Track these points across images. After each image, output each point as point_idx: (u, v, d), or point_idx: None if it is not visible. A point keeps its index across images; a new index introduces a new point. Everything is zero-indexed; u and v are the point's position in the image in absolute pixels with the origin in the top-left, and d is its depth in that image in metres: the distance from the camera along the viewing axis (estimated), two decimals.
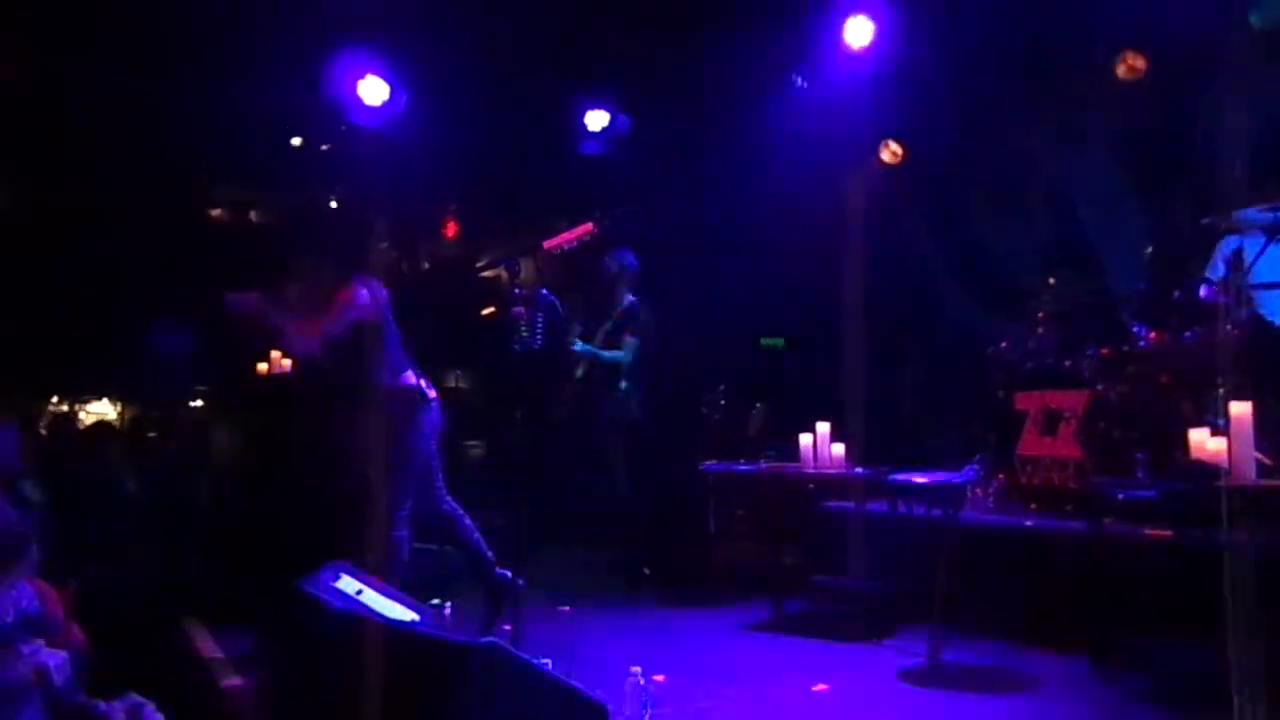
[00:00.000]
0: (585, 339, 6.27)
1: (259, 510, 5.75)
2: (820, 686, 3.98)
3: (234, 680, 3.95)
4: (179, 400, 8.43)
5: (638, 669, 3.31)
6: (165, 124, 7.37)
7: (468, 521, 4.82)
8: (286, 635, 3.87)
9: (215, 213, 9.40)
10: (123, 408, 8.97)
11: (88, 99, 6.99)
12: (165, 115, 7.25)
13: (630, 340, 6.18)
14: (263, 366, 6.46)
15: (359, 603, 3.86)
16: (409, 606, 4.13)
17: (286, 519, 5.54)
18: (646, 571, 6.06)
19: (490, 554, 4.78)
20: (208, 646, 4.45)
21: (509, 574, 4.67)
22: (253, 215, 9.46)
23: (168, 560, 6.20)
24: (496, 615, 4.77)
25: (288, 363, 6.45)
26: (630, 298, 6.32)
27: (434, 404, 4.65)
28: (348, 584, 3.92)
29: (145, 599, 5.15)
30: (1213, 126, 5.73)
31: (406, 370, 4.59)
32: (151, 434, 8.33)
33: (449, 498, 4.86)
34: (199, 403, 7.50)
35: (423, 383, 4.63)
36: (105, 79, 6.87)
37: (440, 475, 4.78)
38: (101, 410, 9.04)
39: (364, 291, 4.53)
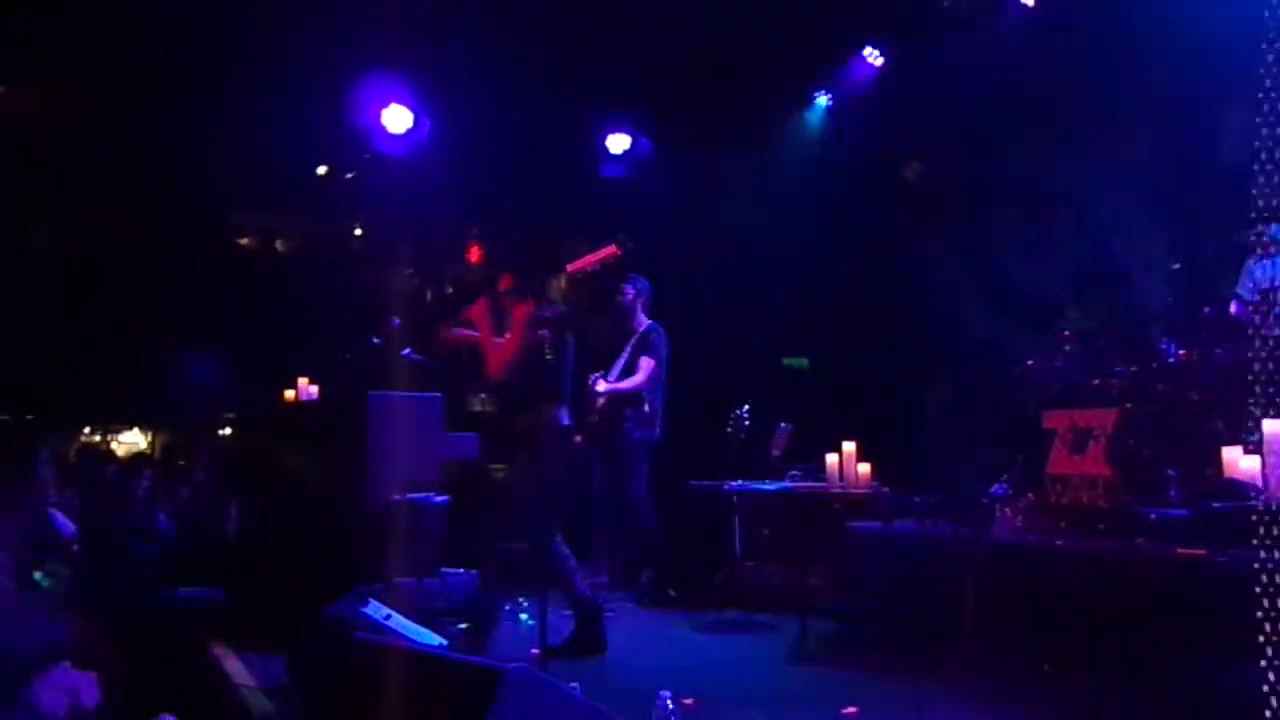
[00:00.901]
0: (603, 364, 6.30)
1: (287, 535, 5.78)
2: (849, 710, 3.95)
3: (265, 706, 3.96)
4: (208, 427, 8.51)
5: (667, 692, 3.29)
6: (192, 153, 7.49)
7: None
8: (316, 661, 3.89)
9: (242, 241, 9.51)
10: (153, 436, 9.07)
11: (116, 131, 7.11)
12: (192, 145, 7.37)
13: (646, 362, 6.18)
14: (290, 393, 6.51)
15: (388, 628, 3.88)
16: (435, 632, 4.15)
17: (313, 544, 5.57)
18: (672, 593, 6.04)
19: (578, 576, 4.91)
20: (238, 671, 4.47)
21: (592, 595, 4.86)
22: (279, 244, 9.57)
23: (199, 586, 6.24)
24: (587, 635, 4.82)
25: (314, 389, 6.51)
26: (647, 321, 6.33)
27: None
28: (376, 609, 3.94)
29: (176, 624, 5.18)
30: (1240, 142, 5.69)
31: (564, 405, 4.88)
32: (181, 461, 8.41)
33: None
34: (228, 430, 7.57)
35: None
36: (134, 111, 6.99)
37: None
38: (133, 440, 9.14)
39: (542, 313, 4.86)
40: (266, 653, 4.68)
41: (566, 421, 4.90)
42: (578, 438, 5.73)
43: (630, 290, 6.35)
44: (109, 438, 9.20)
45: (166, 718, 2.91)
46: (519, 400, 4.99)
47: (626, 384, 6.16)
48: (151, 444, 9.10)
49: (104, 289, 8.04)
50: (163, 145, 7.35)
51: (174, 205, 8.25)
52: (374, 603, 4.03)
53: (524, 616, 5.82)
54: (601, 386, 6.13)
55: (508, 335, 4.94)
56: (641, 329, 6.30)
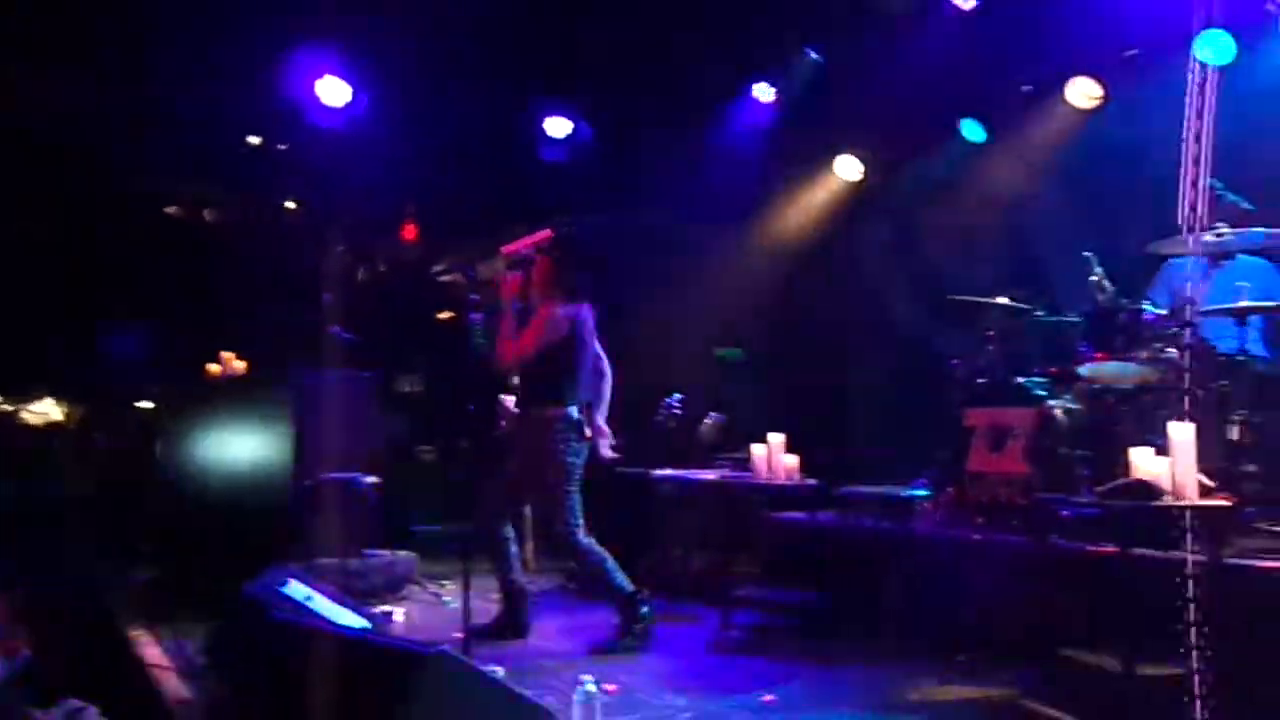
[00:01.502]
0: None
1: (209, 512, 5.67)
2: (769, 697, 4.01)
3: (179, 687, 3.89)
4: (128, 399, 8.28)
5: (589, 678, 3.31)
6: (119, 119, 7.26)
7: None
8: (232, 641, 3.82)
9: (169, 210, 9.26)
10: (69, 408, 8.79)
11: (37, 93, 6.86)
12: (119, 110, 7.14)
13: None
14: (214, 368, 6.38)
15: (308, 609, 3.83)
16: (358, 613, 4.11)
17: (235, 521, 5.48)
18: (589, 581, 6.05)
19: (516, 561, 4.93)
20: (153, 653, 4.38)
21: (631, 585, 4.84)
22: (207, 214, 9.34)
23: (113, 564, 6.09)
24: (512, 619, 4.82)
25: (240, 364, 6.38)
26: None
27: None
28: (296, 589, 3.89)
29: (89, 603, 5.06)
30: (1161, 154, 5.87)
31: (572, 402, 4.88)
32: (97, 434, 8.18)
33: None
34: (149, 404, 7.38)
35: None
36: (56, 72, 6.75)
37: None
38: (45, 410, 8.85)
39: (562, 313, 4.87)
40: (184, 632, 4.60)
41: (576, 416, 4.90)
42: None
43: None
44: (20, 408, 8.89)
45: (72, 702, 2.84)
46: (531, 392, 4.99)
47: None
48: (67, 416, 8.83)
49: (20, 255, 7.77)
50: (88, 110, 7.11)
51: (98, 171, 7.99)
52: (295, 582, 3.98)
53: (447, 599, 5.80)
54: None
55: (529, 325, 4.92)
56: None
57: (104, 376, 8.35)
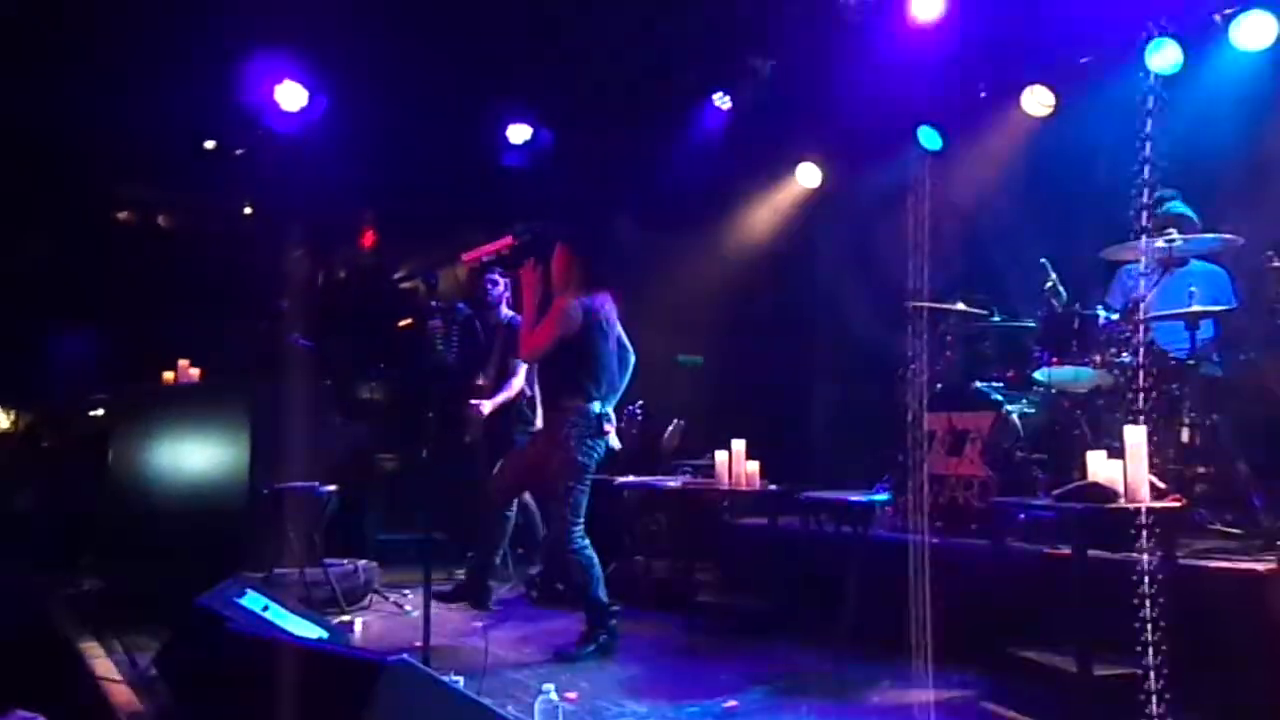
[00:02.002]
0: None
1: (162, 522, 5.58)
2: (731, 703, 4.01)
3: (130, 699, 3.81)
4: (78, 407, 8.13)
5: (550, 687, 3.30)
6: (71, 121, 7.14)
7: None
8: (186, 653, 3.76)
9: (121, 215, 9.11)
10: (17, 415, 8.62)
11: None
12: (71, 112, 7.02)
13: (516, 361, 6.18)
14: (168, 375, 6.27)
15: (265, 619, 3.78)
16: (316, 623, 4.07)
17: (190, 531, 5.39)
18: (560, 587, 6.02)
19: (598, 577, 4.84)
20: (103, 664, 4.29)
21: (607, 598, 4.81)
22: (161, 219, 9.20)
23: (61, 573, 5.98)
24: (593, 636, 4.75)
25: (194, 372, 6.29)
26: (509, 313, 6.34)
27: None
28: (253, 600, 3.84)
29: (37, 614, 4.96)
30: (1113, 161, 5.97)
31: (594, 396, 4.81)
32: (46, 442, 8.02)
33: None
34: (100, 411, 7.24)
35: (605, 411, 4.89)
36: (6, 74, 6.62)
37: None
38: None
39: (576, 304, 4.79)
40: (135, 643, 4.52)
41: (595, 411, 4.83)
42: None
43: (495, 288, 6.36)
44: None
45: (19, 714, 2.78)
46: (550, 386, 4.97)
47: (508, 393, 6.15)
48: (14, 423, 8.65)
49: None
50: (39, 111, 6.98)
51: (49, 174, 7.85)
52: (251, 592, 3.93)
53: (408, 609, 5.75)
54: (486, 408, 6.10)
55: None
56: (504, 320, 6.31)
57: (54, 383, 8.20)
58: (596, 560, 4.80)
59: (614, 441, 5.05)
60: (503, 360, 6.26)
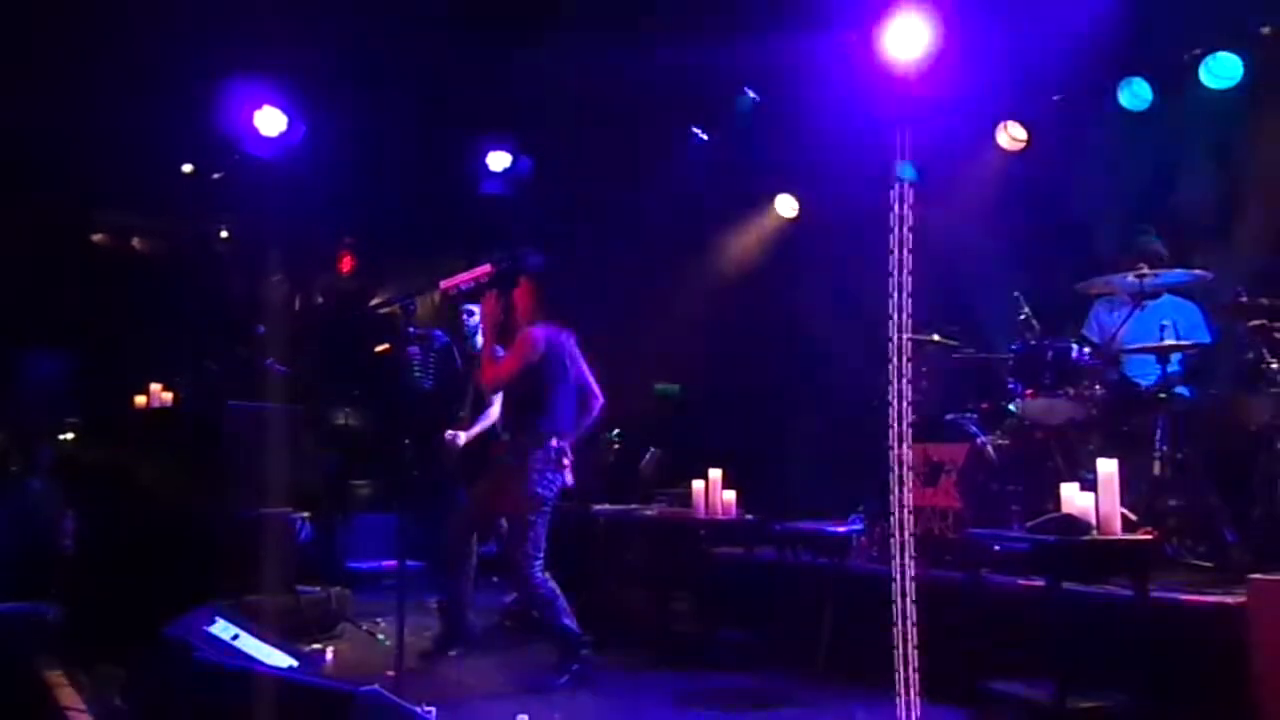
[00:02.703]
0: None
1: (131, 549, 5.50)
2: None
3: None
4: (48, 430, 8.03)
5: (524, 717, 3.27)
6: (46, 143, 7.10)
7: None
8: (154, 683, 3.70)
9: (96, 238, 9.05)
10: None
11: None
12: (46, 134, 6.98)
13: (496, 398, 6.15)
14: (140, 399, 6.22)
15: (234, 648, 3.73)
16: (286, 652, 4.01)
17: (160, 559, 5.32)
18: (535, 615, 5.98)
19: (564, 609, 4.80)
20: (69, 695, 4.21)
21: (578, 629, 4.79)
22: (136, 242, 9.15)
23: (28, 600, 5.88)
24: (565, 667, 4.72)
25: (167, 396, 6.24)
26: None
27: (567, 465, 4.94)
28: (222, 628, 3.79)
29: (2, 642, 4.87)
30: (1086, 197, 6.06)
31: (552, 430, 4.82)
32: (14, 467, 7.90)
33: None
34: (70, 435, 7.16)
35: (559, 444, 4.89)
36: None
37: None
38: None
39: (540, 334, 4.83)
40: (103, 674, 4.44)
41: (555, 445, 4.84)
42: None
43: (476, 313, 6.35)
44: None
45: None
46: (509, 416, 5.00)
47: (484, 423, 6.11)
48: None
49: None
50: (15, 132, 6.94)
51: (26, 196, 7.79)
52: (221, 620, 3.87)
53: (381, 637, 5.69)
54: (461, 439, 6.06)
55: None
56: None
57: (23, 406, 8.10)
58: (558, 591, 4.78)
59: (569, 478, 5.02)
60: (479, 390, 6.23)
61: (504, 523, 5.81)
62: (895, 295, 3.62)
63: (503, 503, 4.93)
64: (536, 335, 4.85)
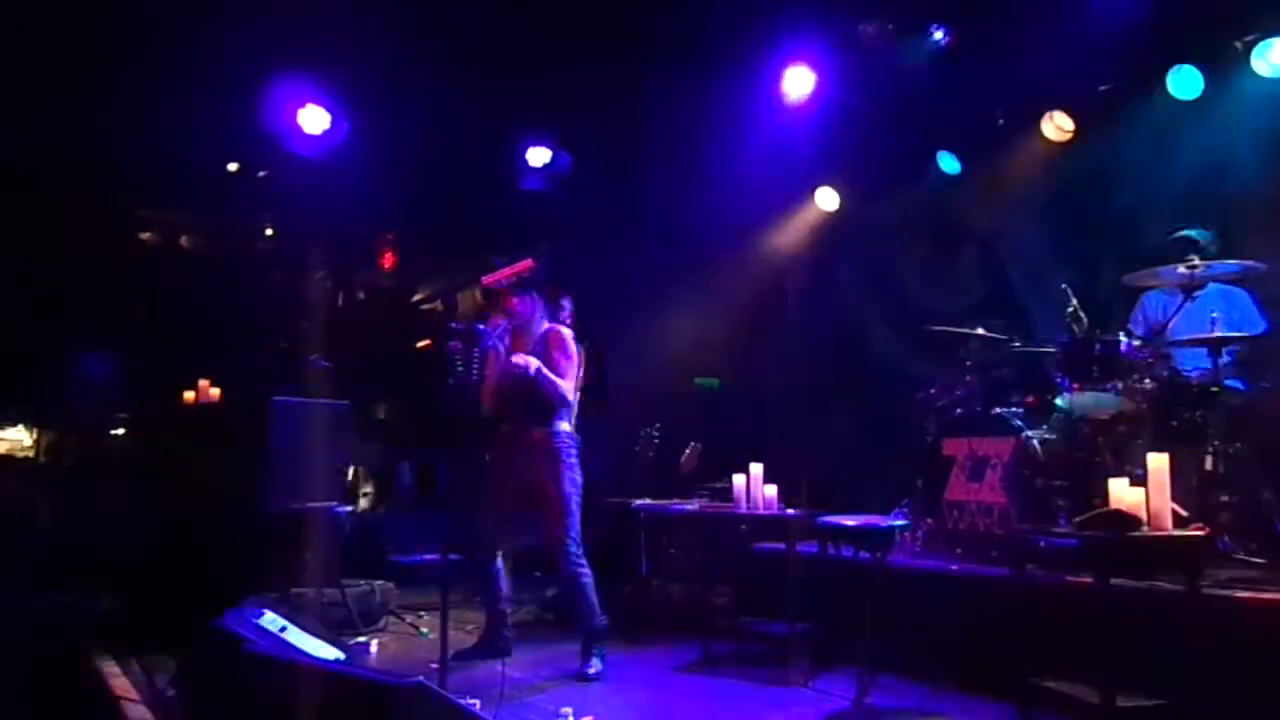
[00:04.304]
0: None
1: (181, 541, 5.60)
2: None
3: (147, 719, 3.82)
4: (100, 426, 8.19)
5: (568, 710, 3.28)
6: (96, 143, 7.22)
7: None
8: (204, 674, 3.77)
9: (145, 236, 9.20)
10: (39, 434, 8.68)
11: (14, 115, 6.82)
12: (95, 134, 7.10)
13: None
14: (189, 395, 6.32)
15: (282, 640, 3.78)
16: (333, 645, 4.06)
17: (209, 551, 5.41)
18: (604, 622, 6.01)
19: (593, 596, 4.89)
20: (120, 684, 4.30)
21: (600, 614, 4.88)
22: (184, 240, 9.29)
23: (81, 592, 6.00)
24: (588, 653, 4.80)
25: (215, 392, 6.33)
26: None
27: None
28: (270, 621, 3.85)
29: (56, 632, 4.97)
30: (1134, 187, 5.96)
31: (563, 417, 4.92)
32: (68, 461, 8.08)
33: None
34: (121, 430, 7.30)
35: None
36: (32, 95, 6.71)
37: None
38: (16, 437, 8.73)
39: (569, 332, 4.96)
40: (154, 664, 4.52)
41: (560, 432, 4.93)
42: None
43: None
44: None
45: None
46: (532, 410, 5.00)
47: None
48: (37, 442, 8.71)
49: None
50: (64, 133, 7.07)
51: (74, 196, 7.94)
52: (269, 614, 3.93)
53: (424, 630, 5.74)
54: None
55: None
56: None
57: (76, 403, 8.26)
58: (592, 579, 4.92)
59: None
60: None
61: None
62: None
63: (533, 499, 4.97)
64: (569, 334, 4.98)
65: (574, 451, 4.93)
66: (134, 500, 6.34)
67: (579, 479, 4.91)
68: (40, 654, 4.65)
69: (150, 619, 5.12)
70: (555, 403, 4.88)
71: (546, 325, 5.04)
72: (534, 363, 4.84)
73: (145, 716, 3.82)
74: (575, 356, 4.96)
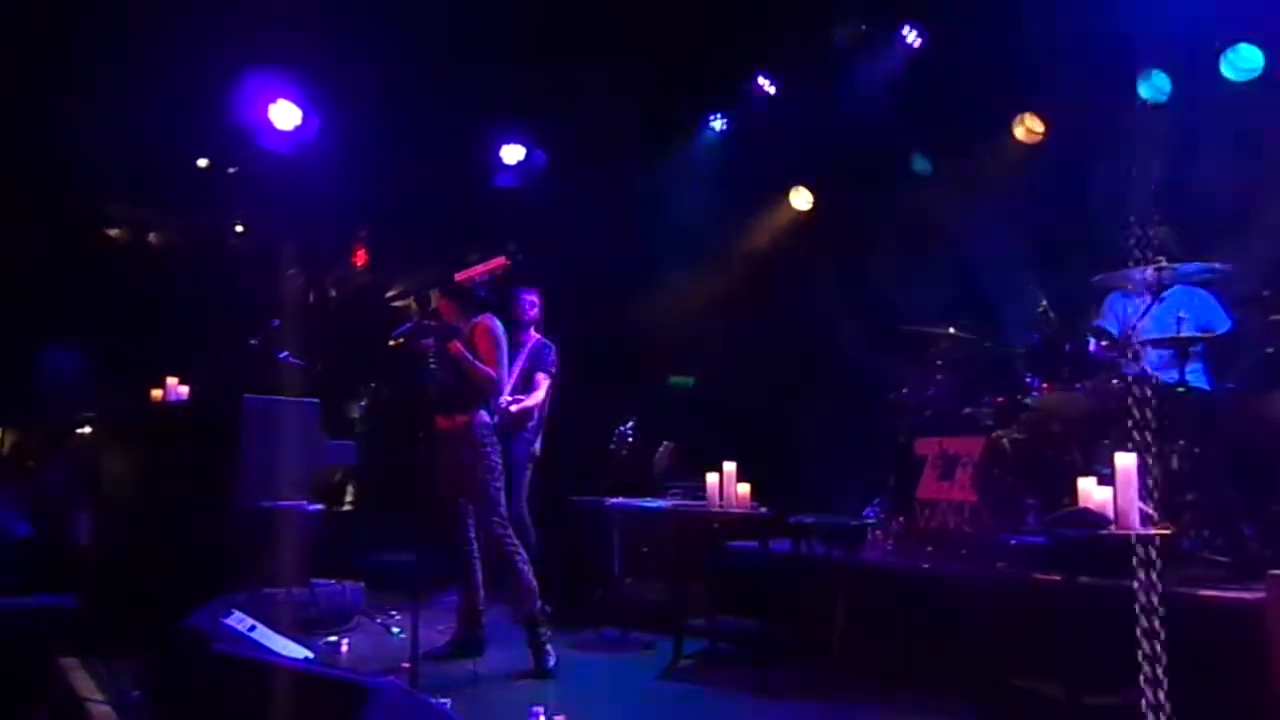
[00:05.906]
0: None
1: (148, 541, 5.54)
2: None
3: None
4: (65, 425, 8.08)
5: (540, 709, 3.27)
6: (62, 138, 7.12)
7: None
8: (171, 674, 3.72)
9: (113, 232, 9.09)
10: (3, 432, 8.56)
11: None
12: (62, 129, 7.01)
13: (542, 378, 6.18)
14: (157, 393, 6.25)
15: (251, 640, 3.75)
16: (302, 644, 4.03)
17: (176, 551, 5.35)
18: (549, 609, 6.00)
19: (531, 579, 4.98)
20: (85, 684, 4.24)
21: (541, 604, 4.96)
22: (153, 237, 9.18)
23: (46, 593, 5.91)
24: (540, 645, 4.83)
25: (183, 389, 6.26)
26: (537, 336, 6.33)
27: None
28: (239, 620, 3.81)
29: (19, 634, 4.90)
30: (1104, 189, 6.01)
31: (484, 406, 5.06)
32: (32, 461, 7.96)
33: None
34: (88, 429, 7.20)
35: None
36: (1, 89, 6.61)
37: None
38: None
39: (496, 322, 5.10)
40: (120, 665, 4.47)
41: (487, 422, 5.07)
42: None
43: (534, 303, 6.37)
44: None
45: None
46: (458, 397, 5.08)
47: (528, 401, 6.14)
48: (1, 440, 8.59)
49: None
50: (29, 127, 6.97)
51: (41, 192, 7.83)
52: (237, 613, 3.90)
53: (396, 630, 5.71)
54: (515, 408, 6.09)
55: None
56: (532, 343, 6.29)
57: (41, 401, 8.15)
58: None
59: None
60: (526, 382, 6.26)
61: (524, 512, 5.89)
62: None
63: (462, 484, 5.03)
64: (496, 323, 5.12)
65: (492, 438, 5.04)
66: (100, 499, 6.26)
67: (498, 464, 5.01)
68: (4, 655, 4.58)
69: (117, 618, 5.06)
70: (481, 391, 4.98)
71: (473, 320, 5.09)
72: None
73: (110, 717, 3.78)
74: (502, 344, 5.07)
